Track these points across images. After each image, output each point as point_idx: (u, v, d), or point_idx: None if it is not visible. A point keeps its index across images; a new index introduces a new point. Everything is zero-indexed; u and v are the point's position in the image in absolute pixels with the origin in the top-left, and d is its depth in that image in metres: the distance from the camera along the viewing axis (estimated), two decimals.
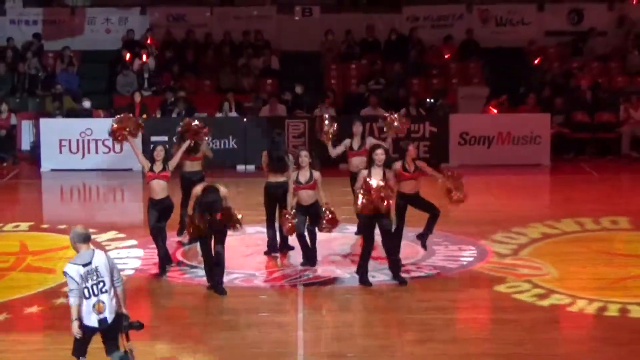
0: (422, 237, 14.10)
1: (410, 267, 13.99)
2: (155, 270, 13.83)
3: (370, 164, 13.13)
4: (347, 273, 13.74)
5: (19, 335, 11.41)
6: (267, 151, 14.46)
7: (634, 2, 26.92)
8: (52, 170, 21.33)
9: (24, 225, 16.64)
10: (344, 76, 25.53)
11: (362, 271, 13.19)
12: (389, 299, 12.76)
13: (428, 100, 23.77)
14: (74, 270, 8.94)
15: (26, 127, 22.98)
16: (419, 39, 26.02)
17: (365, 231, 13.30)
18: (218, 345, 11.16)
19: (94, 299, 8.96)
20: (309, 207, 13.65)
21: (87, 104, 23.33)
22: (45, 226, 16.65)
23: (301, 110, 23.37)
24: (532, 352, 10.91)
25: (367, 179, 12.74)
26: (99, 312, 9.00)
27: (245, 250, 14.92)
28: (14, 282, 13.49)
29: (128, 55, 25.30)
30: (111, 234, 15.85)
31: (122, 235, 15.90)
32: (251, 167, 21.60)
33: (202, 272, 13.68)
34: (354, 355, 10.76)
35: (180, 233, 15.25)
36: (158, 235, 13.67)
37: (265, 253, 14.55)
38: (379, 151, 13.09)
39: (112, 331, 9.11)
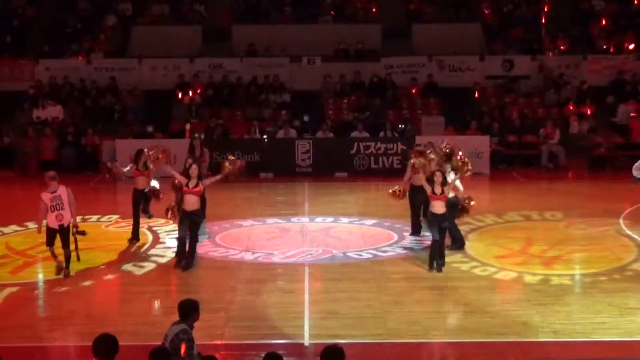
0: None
1: (386, 248, 13.94)
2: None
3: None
4: (341, 253, 13.67)
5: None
6: None
7: (550, 55, 26.89)
8: (126, 178, 21.16)
9: (104, 219, 16.70)
10: (338, 108, 25.44)
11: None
12: (371, 272, 12.71)
13: (400, 126, 23.76)
14: (45, 195, 11.96)
15: (106, 146, 22.83)
16: (393, 81, 25.99)
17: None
18: (245, 306, 11.11)
19: (56, 212, 11.89)
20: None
21: (150, 128, 23.28)
22: (119, 217, 16.62)
23: (307, 133, 23.34)
24: (475, 309, 10.85)
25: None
26: (59, 220, 11.91)
27: (266, 236, 14.85)
28: (91, 256, 13.42)
29: (180, 93, 25.29)
30: (162, 221, 15.69)
31: (171, 222, 15.74)
32: (270, 175, 21.59)
33: (233, 252, 13.63)
34: (345, 313, 10.72)
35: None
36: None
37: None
38: None
39: (66, 233, 12.02)
